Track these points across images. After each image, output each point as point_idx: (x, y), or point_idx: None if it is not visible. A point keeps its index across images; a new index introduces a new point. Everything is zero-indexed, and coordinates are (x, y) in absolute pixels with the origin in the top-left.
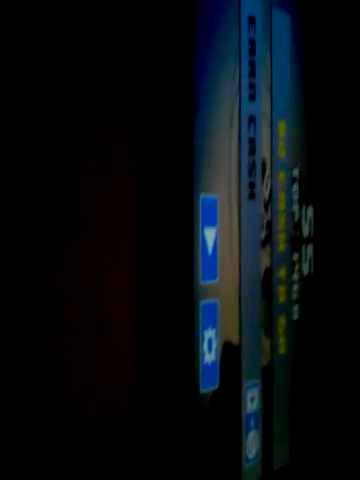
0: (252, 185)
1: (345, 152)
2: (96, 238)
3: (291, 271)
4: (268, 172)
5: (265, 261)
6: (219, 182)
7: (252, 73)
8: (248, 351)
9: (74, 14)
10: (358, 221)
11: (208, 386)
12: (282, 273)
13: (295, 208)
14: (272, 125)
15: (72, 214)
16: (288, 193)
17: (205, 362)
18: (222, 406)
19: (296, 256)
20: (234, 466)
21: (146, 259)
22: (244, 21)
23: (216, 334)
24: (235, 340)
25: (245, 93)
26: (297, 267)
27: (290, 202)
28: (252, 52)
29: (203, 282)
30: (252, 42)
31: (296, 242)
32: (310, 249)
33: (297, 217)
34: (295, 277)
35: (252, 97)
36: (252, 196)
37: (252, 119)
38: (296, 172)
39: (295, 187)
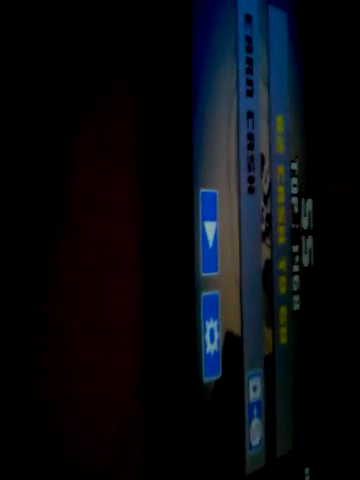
0: (251, 179)
1: (343, 145)
2: (97, 233)
3: (291, 263)
4: (267, 166)
5: (265, 253)
6: (218, 177)
7: (249, 70)
8: (250, 341)
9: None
10: (357, 213)
11: (211, 375)
12: (282, 265)
13: (294, 201)
14: (270, 120)
15: (73, 209)
16: (287, 187)
17: (207, 352)
18: (225, 395)
19: (296, 248)
20: (238, 453)
21: (148, 253)
22: (241, 19)
23: (218, 325)
24: (237, 330)
25: (243, 89)
26: (297, 259)
27: (289, 195)
28: (249, 49)
29: (204, 274)
30: (249, 40)
31: (296, 234)
32: (310, 241)
33: (296, 210)
34: (295, 268)
35: (250, 93)
36: (251, 190)
37: (250, 115)
38: (295, 166)
39: (294, 181)
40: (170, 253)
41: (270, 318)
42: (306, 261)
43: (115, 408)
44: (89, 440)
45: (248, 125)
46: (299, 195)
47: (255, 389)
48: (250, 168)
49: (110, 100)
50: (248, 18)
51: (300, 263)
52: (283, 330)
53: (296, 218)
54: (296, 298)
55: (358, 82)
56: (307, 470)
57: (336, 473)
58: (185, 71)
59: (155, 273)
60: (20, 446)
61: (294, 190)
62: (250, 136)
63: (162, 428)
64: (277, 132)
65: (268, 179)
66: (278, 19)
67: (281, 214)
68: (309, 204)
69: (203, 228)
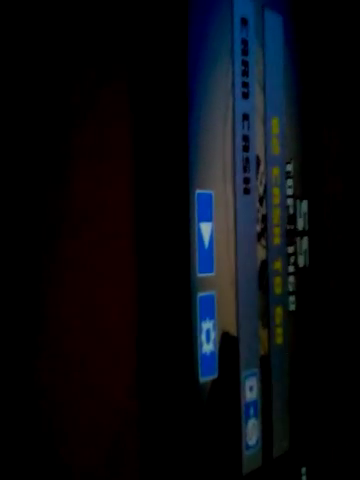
0: (247, 180)
1: (338, 147)
2: (94, 233)
3: (287, 263)
4: (262, 168)
5: (261, 254)
6: (214, 178)
7: (245, 72)
8: (246, 341)
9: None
10: (352, 215)
11: (207, 375)
12: (278, 265)
13: (289, 202)
14: (266, 122)
15: (69, 210)
16: (282, 188)
17: (204, 352)
18: (221, 395)
19: (291, 249)
20: (235, 453)
21: (144, 253)
22: (237, 22)
23: (214, 325)
24: (233, 331)
25: (238, 91)
26: (293, 259)
27: (284, 197)
28: (245, 52)
29: (200, 275)
30: (245, 42)
31: (291, 235)
32: (305, 242)
33: (292, 211)
34: (291, 269)
35: (245, 95)
36: (247, 191)
37: (246, 117)
38: (290, 167)
39: (289, 182)
40: (166, 254)
41: (266, 318)
42: (301, 262)
43: (112, 408)
44: (86, 441)
45: (244, 127)
46: (294, 196)
47: (251, 389)
48: (246, 169)
49: (107, 102)
50: (244, 21)
51: (295, 264)
52: (279, 330)
53: (291, 219)
54: (292, 298)
55: (353, 85)
56: (304, 470)
57: (332, 473)
58: (181, 73)
59: (151, 273)
60: (17, 445)
61: (289, 191)
62: (246, 138)
63: (159, 428)
64: (272, 134)
65: (263, 180)
66: (274, 22)
67: (276, 215)
68: (304, 205)
69: (199, 229)
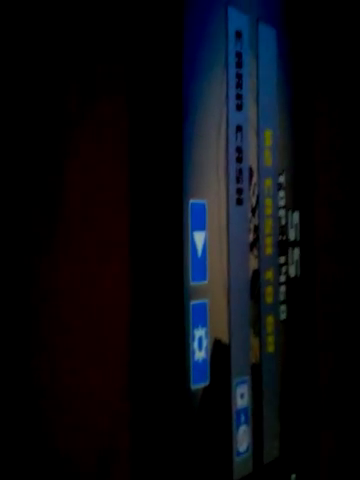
0: (239, 191)
1: (330, 159)
2: (90, 242)
3: (278, 273)
4: (255, 179)
5: (253, 263)
6: (208, 188)
7: (239, 84)
8: (237, 349)
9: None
10: (342, 224)
11: (199, 382)
12: (269, 275)
13: (281, 213)
14: (259, 134)
15: (65, 218)
16: (275, 199)
17: (196, 359)
18: (213, 402)
19: (283, 259)
20: (225, 460)
21: (138, 261)
22: (231, 35)
23: (206, 333)
24: (225, 338)
25: (232, 103)
26: (284, 269)
27: (276, 208)
28: (239, 65)
29: (193, 283)
30: (239, 55)
31: (283, 246)
32: (296, 252)
33: (284, 222)
34: (282, 279)
35: (239, 107)
36: (240, 202)
37: (239, 128)
38: (282, 179)
39: (281, 193)
40: (160, 261)
41: (257, 327)
42: (293, 272)
43: (104, 414)
44: (77, 441)
45: (237, 138)
46: (286, 207)
47: (242, 396)
48: (238, 180)
49: (104, 112)
50: (238, 34)
51: (287, 274)
52: (270, 339)
53: (283, 230)
54: (283, 308)
55: (345, 98)
56: (293, 476)
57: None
58: (176, 85)
59: (145, 281)
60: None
61: (281, 202)
62: (239, 149)
63: (151, 434)
64: (265, 146)
65: (256, 191)
66: (268, 36)
67: (268, 226)
68: (296, 216)
69: (192, 238)
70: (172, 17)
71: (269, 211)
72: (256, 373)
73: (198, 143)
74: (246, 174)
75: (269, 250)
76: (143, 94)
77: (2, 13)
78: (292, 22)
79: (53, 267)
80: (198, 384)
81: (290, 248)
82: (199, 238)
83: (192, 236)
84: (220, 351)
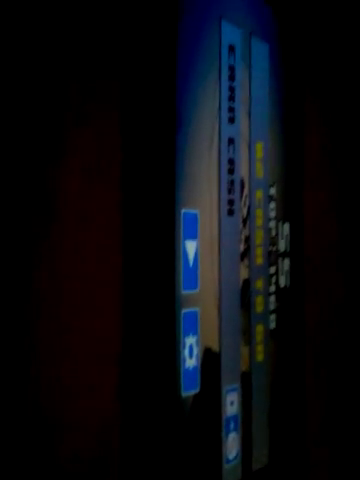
0: (231, 202)
1: (320, 171)
2: (83, 251)
3: (268, 283)
4: (246, 190)
5: (244, 273)
6: (200, 198)
7: (231, 98)
8: (228, 357)
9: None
10: (332, 237)
11: (189, 390)
12: (260, 284)
13: (272, 224)
14: (250, 146)
15: (59, 226)
16: (265, 210)
17: (186, 367)
18: (203, 409)
19: (273, 269)
20: (215, 466)
21: (130, 270)
22: (224, 49)
23: (197, 341)
24: (215, 347)
25: (225, 116)
26: (274, 279)
27: (267, 219)
28: (232, 78)
29: (184, 291)
30: (232, 69)
31: (273, 256)
32: (287, 263)
33: (274, 233)
34: (272, 289)
35: (231, 120)
36: (231, 212)
37: (231, 141)
38: (273, 191)
39: (272, 205)
40: (152, 271)
41: (247, 335)
42: (283, 282)
43: (94, 421)
44: (68, 458)
45: (229, 150)
46: (277, 219)
47: (232, 404)
48: (230, 191)
49: (97, 122)
50: (231, 48)
51: (277, 284)
52: (260, 347)
53: (274, 241)
54: (272, 317)
55: (336, 112)
56: None
57: None
58: (170, 98)
59: (136, 289)
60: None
61: (272, 214)
62: (231, 161)
63: (141, 441)
64: (257, 158)
65: (247, 202)
66: (260, 50)
67: (259, 236)
68: (286, 227)
69: (184, 247)
70: (166, 30)
71: (260, 222)
72: (246, 381)
73: (191, 154)
74: (238, 185)
75: (260, 260)
76: (137, 106)
77: (6, 27)
78: (284, 37)
79: (50, 267)
80: (189, 391)
81: (280, 259)
82: (191, 247)
83: (184, 245)
84: (210, 359)
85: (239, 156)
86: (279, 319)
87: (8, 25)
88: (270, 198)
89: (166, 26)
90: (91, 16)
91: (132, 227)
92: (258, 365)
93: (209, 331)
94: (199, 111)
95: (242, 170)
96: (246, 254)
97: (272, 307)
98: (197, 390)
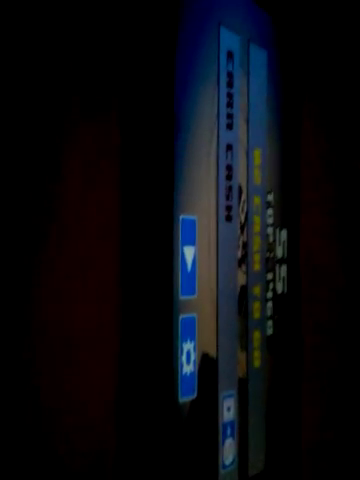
0: (229, 208)
1: (317, 178)
2: (81, 256)
3: (265, 289)
4: (244, 197)
5: (241, 279)
6: (198, 204)
7: (230, 104)
8: (225, 363)
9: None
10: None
11: (186, 395)
12: (257, 291)
13: (269, 231)
14: (248, 153)
15: (58, 231)
16: (263, 217)
17: (184, 373)
18: (200, 415)
19: (270, 275)
20: (211, 472)
21: (128, 275)
22: (223, 55)
23: (194, 346)
24: (212, 352)
25: (223, 122)
26: (271, 285)
27: (265, 225)
28: (230, 84)
29: (182, 297)
30: (230, 75)
31: (270, 262)
32: (284, 269)
33: (271, 239)
34: (269, 295)
35: (230, 126)
36: (229, 218)
37: (229, 147)
38: (271, 197)
39: (270, 211)
40: (150, 276)
41: (244, 341)
42: (280, 288)
43: (90, 426)
44: (63, 464)
45: (227, 157)
46: (274, 225)
47: (229, 410)
48: (228, 197)
49: (96, 129)
50: (230, 54)
51: (274, 290)
52: (256, 353)
53: (271, 247)
54: (270, 323)
55: (333, 119)
56: None
57: None
58: (168, 104)
59: (135, 296)
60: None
61: (269, 220)
62: (229, 167)
63: (138, 446)
64: (255, 165)
65: (245, 209)
66: (259, 56)
67: (257, 242)
68: (284, 234)
69: (182, 252)
70: (165, 36)
71: (257, 228)
72: (243, 387)
73: (189, 160)
74: (236, 192)
75: (257, 266)
76: (136, 113)
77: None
78: (282, 44)
79: (49, 268)
80: (186, 397)
81: (277, 265)
82: (189, 253)
83: (182, 251)
84: (208, 365)
85: (237, 162)
86: (276, 325)
87: (7, 20)
88: (268, 204)
89: (165, 32)
90: (91, 22)
91: (130, 233)
92: (255, 371)
93: (206, 337)
94: (198, 117)
95: (240, 176)
96: (243, 260)
97: (269, 313)
98: (194, 396)
